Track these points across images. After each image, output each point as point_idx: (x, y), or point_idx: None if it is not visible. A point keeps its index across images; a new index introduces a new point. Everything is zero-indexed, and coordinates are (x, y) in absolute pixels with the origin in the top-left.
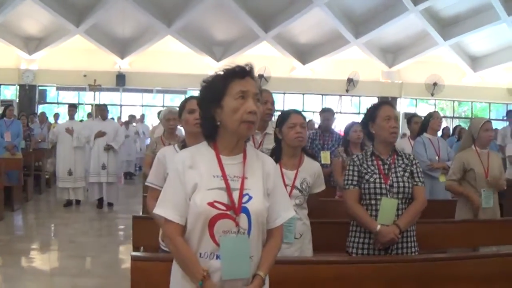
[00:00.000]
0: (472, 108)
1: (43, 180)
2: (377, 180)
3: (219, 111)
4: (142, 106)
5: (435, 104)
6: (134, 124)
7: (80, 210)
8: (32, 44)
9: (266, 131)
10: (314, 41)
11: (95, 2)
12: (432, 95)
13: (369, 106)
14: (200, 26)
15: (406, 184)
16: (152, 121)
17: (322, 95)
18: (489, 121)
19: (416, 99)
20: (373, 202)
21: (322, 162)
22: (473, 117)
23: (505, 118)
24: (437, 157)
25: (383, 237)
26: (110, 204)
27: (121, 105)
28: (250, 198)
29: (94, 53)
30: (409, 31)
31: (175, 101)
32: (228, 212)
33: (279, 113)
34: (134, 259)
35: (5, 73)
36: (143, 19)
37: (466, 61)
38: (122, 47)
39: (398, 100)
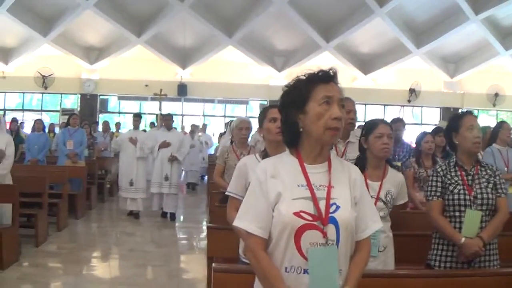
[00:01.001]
0: None
1: (106, 189)
2: (461, 192)
3: (302, 117)
4: (204, 116)
5: (496, 115)
6: (200, 134)
7: (143, 220)
8: (93, 54)
9: (349, 139)
10: (376, 51)
11: (156, 12)
12: (494, 105)
13: (452, 116)
14: (261, 36)
15: (490, 196)
16: (213, 130)
17: (384, 105)
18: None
19: (478, 110)
20: (457, 214)
21: None
22: None
23: None
24: (506, 168)
25: (467, 250)
26: (172, 215)
27: (182, 115)
28: (338, 207)
29: (155, 63)
30: (470, 41)
31: (235, 111)
32: (315, 223)
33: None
34: (216, 270)
35: (67, 83)
36: (204, 29)
37: None
38: (183, 57)
39: (460, 111)
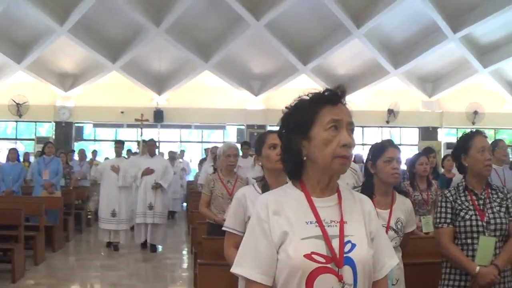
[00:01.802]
0: None
1: (84, 220)
2: (473, 217)
3: (306, 144)
4: (180, 142)
5: None
6: (180, 160)
7: (122, 251)
8: (67, 80)
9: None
10: (353, 73)
11: (131, 37)
12: (473, 123)
13: (460, 136)
14: (238, 60)
15: (504, 221)
16: (190, 157)
17: (362, 127)
18: None
19: (456, 128)
20: (469, 241)
21: None
22: None
23: None
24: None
25: (482, 279)
26: (153, 246)
27: (159, 141)
28: (354, 246)
29: (130, 89)
30: (447, 60)
31: (210, 136)
32: (329, 265)
33: None
34: None
35: (41, 110)
36: (180, 54)
37: (506, 88)
38: (159, 83)
39: (439, 130)
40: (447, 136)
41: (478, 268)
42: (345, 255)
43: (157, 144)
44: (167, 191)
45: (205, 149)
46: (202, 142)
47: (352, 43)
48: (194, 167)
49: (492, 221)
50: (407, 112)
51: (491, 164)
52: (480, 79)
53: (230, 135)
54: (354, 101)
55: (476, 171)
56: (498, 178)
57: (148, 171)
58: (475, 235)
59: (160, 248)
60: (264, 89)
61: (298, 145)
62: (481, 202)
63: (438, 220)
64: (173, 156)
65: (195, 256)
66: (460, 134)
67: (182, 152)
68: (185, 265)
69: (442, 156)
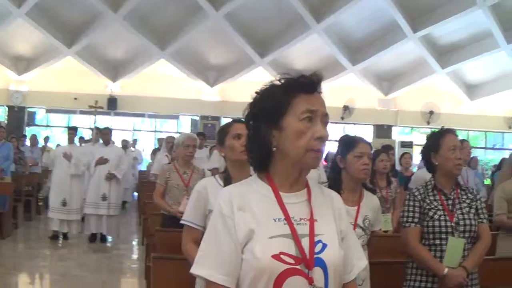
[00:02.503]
0: (468, 137)
1: (34, 207)
2: (442, 218)
3: (277, 134)
4: (134, 130)
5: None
6: (132, 149)
7: (72, 241)
8: (22, 64)
9: None
10: (310, 68)
11: (88, 23)
12: (428, 123)
13: (430, 134)
14: (195, 50)
15: (473, 222)
16: (143, 146)
17: None
18: None
19: (411, 127)
20: (437, 242)
21: None
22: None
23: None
24: None
25: (451, 281)
26: (103, 238)
27: (111, 129)
28: (325, 246)
29: (85, 76)
30: (405, 59)
31: (163, 126)
32: (298, 267)
33: None
34: None
35: None
36: (136, 42)
37: (463, 89)
38: (114, 70)
39: (393, 128)
40: (400, 134)
41: (446, 269)
42: (315, 255)
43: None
44: (121, 182)
45: (159, 139)
46: (155, 131)
47: (311, 38)
48: (146, 156)
49: (462, 222)
50: (362, 109)
51: (461, 164)
52: (437, 79)
53: (183, 126)
54: None
55: (446, 170)
56: (461, 179)
57: (102, 161)
58: (443, 235)
59: (109, 238)
60: (220, 81)
61: (268, 135)
62: (450, 202)
63: (405, 220)
64: (125, 145)
65: (147, 248)
66: (414, 133)
67: (135, 141)
68: (135, 256)
69: (396, 155)
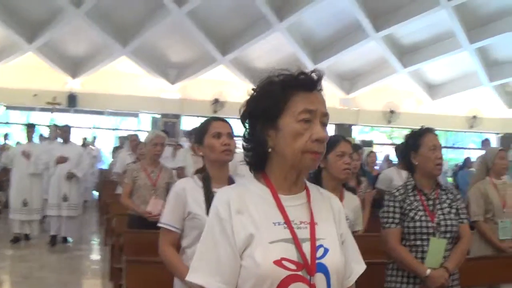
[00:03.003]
0: None
1: None
2: (423, 218)
3: (273, 134)
4: (93, 128)
5: (391, 132)
6: (92, 147)
7: (34, 241)
8: None
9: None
10: (272, 66)
11: (50, 18)
12: (389, 122)
13: (409, 133)
14: (156, 47)
15: (454, 223)
16: (103, 144)
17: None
18: (503, 150)
19: (372, 127)
20: (418, 243)
21: None
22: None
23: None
24: None
25: (433, 283)
26: (64, 239)
27: (70, 127)
28: (326, 250)
29: (45, 72)
30: (367, 58)
31: (123, 124)
32: (300, 273)
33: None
34: None
35: None
36: (98, 38)
37: (424, 89)
38: (75, 66)
39: (354, 127)
40: (360, 134)
41: (428, 271)
42: (317, 261)
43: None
44: (81, 181)
45: (119, 137)
46: (114, 129)
47: (273, 36)
48: (106, 155)
49: (443, 223)
50: None
51: (442, 163)
52: (398, 79)
53: (143, 124)
54: None
55: (426, 170)
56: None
57: (61, 159)
58: (424, 236)
59: (70, 239)
60: (181, 78)
61: (263, 135)
62: (430, 202)
63: (385, 220)
64: (85, 143)
65: (112, 249)
66: (374, 132)
67: (94, 138)
68: (97, 257)
69: None
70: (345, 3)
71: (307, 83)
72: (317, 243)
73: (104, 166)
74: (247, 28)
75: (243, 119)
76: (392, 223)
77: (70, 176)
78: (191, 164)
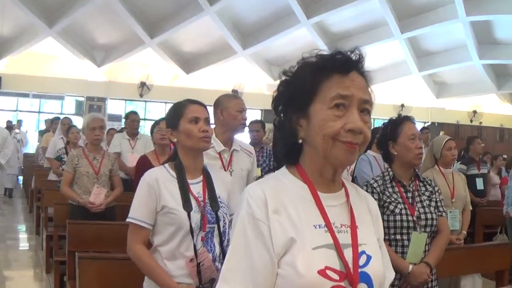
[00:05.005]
0: None
1: None
2: (403, 212)
3: (304, 123)
4: (18, 111)
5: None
6: (17, 131)
7: None
8: None
9: (233, 147)
10: (200, 50)
11: None
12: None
13: (386, 122)
14: (82, 29)
15: (434, 216)
16: (27, 127)
17: (206, 106)
18: (451, 140)
19: None
20: (398, 237)
21: None
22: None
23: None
24: None
25: (416, 279)
26: None
27: None
28: (369, 258)
29: None
30: (297, 45)
31: (47, 107)
32: (342, 283)
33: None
34: None
35: None
36: (23, 18)
37: None
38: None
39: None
40: None
41: (411, 267)
42: (359, 269)
43: None
44: (4, 168)
45: (46, 120)
46: (39, 112)
47: (203, 20)
48: (33, 139)
49: (423, 216)
50: (251, 94)
51: (422, 153)
52: None
53: (68, 106)
54: (197, 79)
55: (406, 160)
56: (378, 166)
57: None
58: (405, 230)
59: None
60: (108, 61)
61: (294, 124)
62: (409, 195)
63: None
64: (10, 126)
65: (48, 240)
66: None
67: (19, 122)
68: (26, 247)
69: None
70: None
71: (343, 64)
72: (359, 249)
73: (29, 150)
74: (177, 11)
75: (275, 106)
76: None
77: None
78: (129, 149)
